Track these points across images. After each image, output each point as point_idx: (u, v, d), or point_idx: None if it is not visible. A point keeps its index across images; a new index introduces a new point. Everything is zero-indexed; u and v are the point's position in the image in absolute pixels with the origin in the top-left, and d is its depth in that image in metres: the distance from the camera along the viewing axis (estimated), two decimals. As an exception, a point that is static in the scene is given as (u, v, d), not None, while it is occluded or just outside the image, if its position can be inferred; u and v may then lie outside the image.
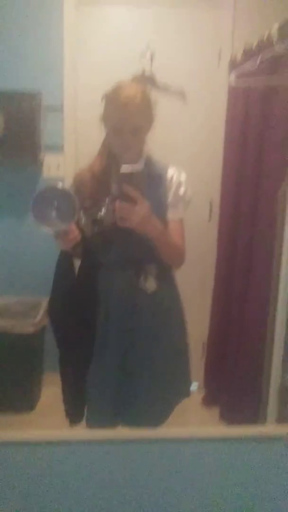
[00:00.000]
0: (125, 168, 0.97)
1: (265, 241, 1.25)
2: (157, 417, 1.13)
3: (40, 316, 1.52)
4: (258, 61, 1.25)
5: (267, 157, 1.29)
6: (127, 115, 0.99)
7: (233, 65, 1.42)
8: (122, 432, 1.13)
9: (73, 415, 1.12)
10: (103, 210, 1.01)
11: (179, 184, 1.07)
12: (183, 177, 1.08)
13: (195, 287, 1.64)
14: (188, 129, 1.56)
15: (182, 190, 1.07)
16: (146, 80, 1.36)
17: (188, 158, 1.58)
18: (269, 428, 1.14)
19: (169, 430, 1.12)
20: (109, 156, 1.06)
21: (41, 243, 1.52)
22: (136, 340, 1.08)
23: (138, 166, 1.03)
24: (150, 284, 1.07)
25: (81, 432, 1.13)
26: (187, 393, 1.20)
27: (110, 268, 1.06)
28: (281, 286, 1.13)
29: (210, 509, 1.15)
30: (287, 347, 1.14)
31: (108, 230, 1.01)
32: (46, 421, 1.52)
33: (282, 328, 1.15)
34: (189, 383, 1.21)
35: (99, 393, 1.10)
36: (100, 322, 1.07)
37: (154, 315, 1.08)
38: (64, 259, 1.05)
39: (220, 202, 1.52)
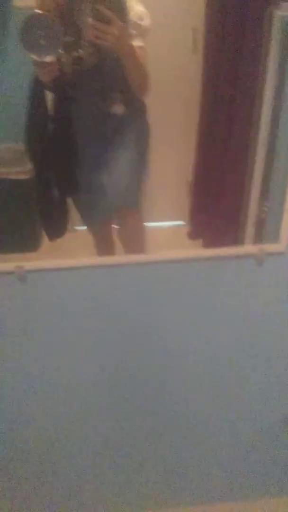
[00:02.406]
0: None
1: (251, 69, 1.23)
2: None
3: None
4: None
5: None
6: None
7: None
8: (117, 258, 1.32)
9: (54, 230, 1.41)
10: (83, 50, 1.05)
11: (137, 13, 1.09)
12: (140, 7, 1.09)
13: (179, 123, 1.63)
14: None
15: (140, 19, 1.10)
16: None
17: None
18: (244, 248, 1.32)
19: (158, 253, 1.33)
20: None
21: (18, 86, 1.47)
22: (108, 151, 1.28)
23: None
24: (117, 108, 1.21)
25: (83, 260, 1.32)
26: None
27: (80, 98, 1.18)
28: (263, 121, 1.17)
29: (193, 320, 1.42)
30: (264, 183, 1.25)
31: (86, 66, 1.07)
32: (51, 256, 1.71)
33: (261, 165, 1.24)
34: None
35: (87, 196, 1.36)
36: (74, 146, 1.24)
37: (123, 134, 1.27)
38: (37, 90, 1.13)
39: (204, 30, 1.40)
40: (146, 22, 1.11)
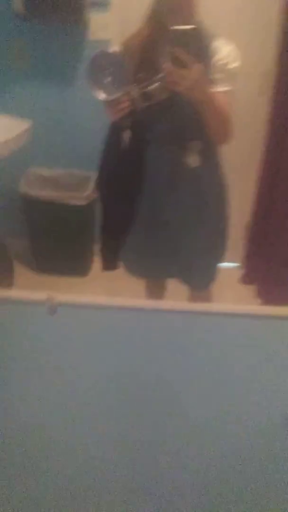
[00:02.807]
0: (177, 26, 0.87)
1: None
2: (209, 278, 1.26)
3: (91, 189, 1.58)
4: None
5: None
6: None
7: None
8: (168, 303, 1.25)
9: (108, 262, 1.26)
10: (155, 84, 0.96)
11: (225, 55, 0.98)
12: (230, 48, 0.99)
13: (241, 166, 1.59)
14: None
15: (228, 61, 0.99)
16: None
17: (240, 25, 1.42)
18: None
19: (204, 304, 1.23)
20: (158, 20, 0.97)
21: (90, 114, 1.50)
22: (178, 212, 1.15)
23: (190, 26, 0.91)
24: (193, 159, 1.08)
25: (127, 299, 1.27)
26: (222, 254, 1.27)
27: (155, 143, 1.07)
28: None
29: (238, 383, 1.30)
30: None
31: (157, 104, 0.98)
32: (97, 285, 1.69)
33: None
34: (222, 255, 1.27)
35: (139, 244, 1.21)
36: (144, 194, 1.13)
37: (196, 190, 1.12)
38: (113, 131, 1.06)
39: (274, 74, 1.37)
40: (234, 64, 1.01)
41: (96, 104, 1.36)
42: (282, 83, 1.36)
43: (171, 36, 0.88)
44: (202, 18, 0.99)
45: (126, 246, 1.23)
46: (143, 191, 1.13)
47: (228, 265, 1.73)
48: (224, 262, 1.28)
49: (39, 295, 1.12)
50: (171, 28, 0.87)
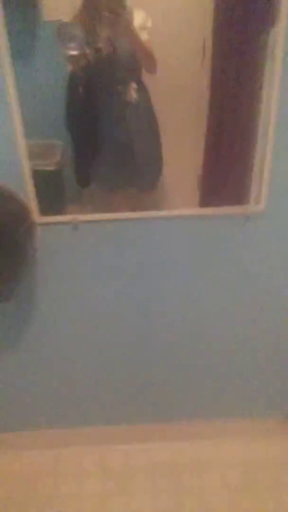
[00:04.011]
0: None
1: (252, 79, 1.45)
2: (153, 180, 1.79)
3: (58, 156, 1.78)
4: None
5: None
6: None
7: None
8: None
9: (83, 180, 1.76)
10: (101, 43, 1.43)
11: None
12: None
13: (190, 126, 1.84)
14: None
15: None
16: None
17: None
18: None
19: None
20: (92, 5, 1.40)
21: (48, 89, 1.68)
22: (128, 128, 1.63)
23: None
24: (132, 95, 1.55)
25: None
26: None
27: (104, 86, 1.54)
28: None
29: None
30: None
31: (104, 55, 1.45)
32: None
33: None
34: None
35: (109, 164, 1.71)
36: (101, 124, 1.61)
37: (137, 116, 1.61)
38: (72, 80, 1.51)
39: (212, 42, 1.60)
40: (149, 23, 1.48)
41: (55, 78, 1.59)
42: (218, 47, 1.59)
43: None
44: None
45: (94, 166, 1.71)
46: (99, 122, 1.60)
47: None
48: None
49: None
50: None
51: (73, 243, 1.59)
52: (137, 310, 1.79)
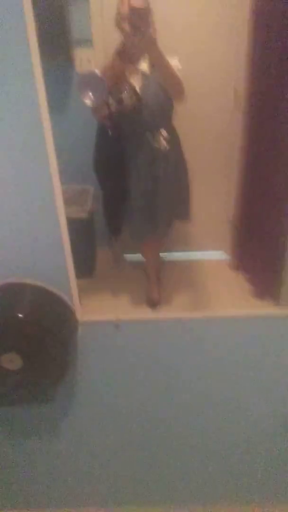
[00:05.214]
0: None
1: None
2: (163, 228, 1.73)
3: (90, 203, 1.77)
4: None
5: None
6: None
7: None
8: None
9: (114, 230, 1.74)
10: (125, 93, 1.41)
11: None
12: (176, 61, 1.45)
13: (222, 170, 1.81)
14: (212, 16, 1.60)
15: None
16: None
17: (211, 44, 1.65)
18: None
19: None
20: (124, 55, 1.38)
21: (81, 136, 1.70)
22: (158, 177, 1.57)
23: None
24: (162, 143, 1.50)
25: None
26: (186, 216, 1.76)
27: (133, 134, 1.51)
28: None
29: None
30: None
31: (127, 106, 1.42)
32: (101, 285, 1.92)
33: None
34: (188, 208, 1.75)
35: (136, 214, 1.65)
36: (129, 173, 1.57)
37: (166, 164, 1.56)
38: (100, 128, 1.49)
39: (245, 90, 1.57)
40: (179, 66, 1.46)
41: (86, 125, 1.60)
42: (252, 98, 1.56)
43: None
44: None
45: (124, 213, 1.66)
46: (128, 169, 1.56)
47: (217, 253, 1.99)
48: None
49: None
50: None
51: (114, 341, 1.53)
52: (175, 410, 1.70)
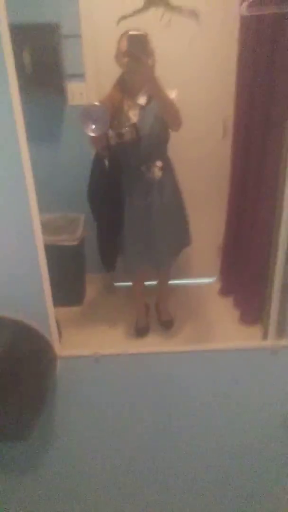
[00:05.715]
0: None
1: (274, 160, 1.42)
2: (170, 258, 1.75)
3: (81, 230, 1.78)
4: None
5: (278, 81, 1.38)
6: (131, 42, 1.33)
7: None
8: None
9: (108, 264, 1.70)
10: (125, 128, 1.45)
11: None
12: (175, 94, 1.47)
13: (211, 198, 1.85)
14: (202, 52, 1.65)
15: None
16: (159, 2, 1.41)
17: (201, 78, 1.70)
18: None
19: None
20: (124, 89, 1.43)
21: (72, 167, 1.72)
22: (152, 206, 1.58)
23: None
24: (157, 174, 1.53)
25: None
26: (188, 242, 1.75)
27: (128, 166, 1.52)
28: (285, 202, 1.34)
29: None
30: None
31: (127, 140, 1.47)
32: (89, 311, 1.91)
33: (286, 235, 1.40)
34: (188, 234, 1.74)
35: (131, 246, 1.65)
36: (125, 201, 1.56)
37: (161, 194, 1.57)
38: (97, 158, 1.51)
39: (233, 121, 1.63)
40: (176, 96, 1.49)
41: (78, 156, 1.61)
42: (239, 127, 1.61)
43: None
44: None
45: (118, 247, 1.66)
46: (123, 200, 1.56)
47: (208, 280, 2.00)
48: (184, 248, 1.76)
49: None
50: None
51: (94, 375, 1.50)
52: (158, 445, 1.66)
